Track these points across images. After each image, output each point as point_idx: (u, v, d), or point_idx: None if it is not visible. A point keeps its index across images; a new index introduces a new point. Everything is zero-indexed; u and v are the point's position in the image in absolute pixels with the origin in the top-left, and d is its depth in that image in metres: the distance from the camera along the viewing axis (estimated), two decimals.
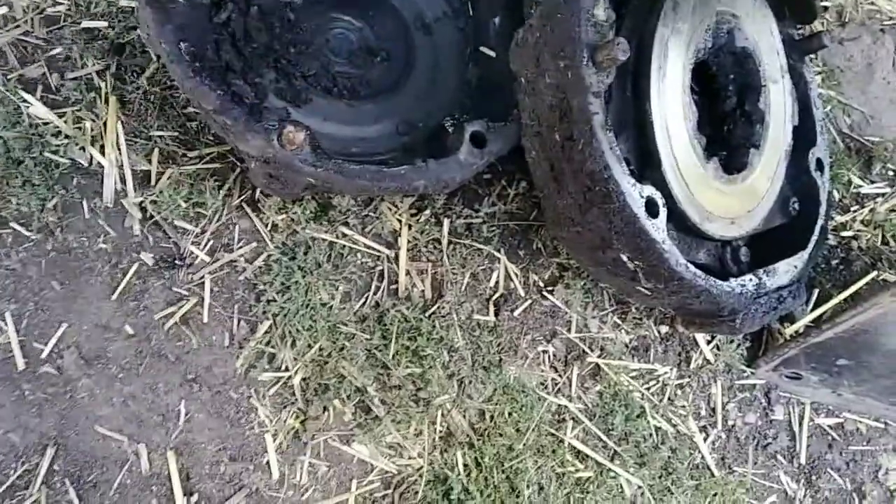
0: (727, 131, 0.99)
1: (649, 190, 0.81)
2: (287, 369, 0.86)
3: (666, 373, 1.03)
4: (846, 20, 1.30)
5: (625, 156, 0.84)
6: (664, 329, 1.05)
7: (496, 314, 0.97)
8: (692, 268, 0.84)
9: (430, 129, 0.97)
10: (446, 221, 0.97)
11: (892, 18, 1.33)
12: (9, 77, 0.86)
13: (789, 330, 1.09)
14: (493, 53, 1.03)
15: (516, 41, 0.88)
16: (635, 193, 0.79)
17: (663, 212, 0.81)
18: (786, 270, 0.95)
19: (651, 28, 0.84)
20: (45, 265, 0.83)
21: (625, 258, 0.84)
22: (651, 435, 0.99)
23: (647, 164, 0.85)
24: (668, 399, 1.02)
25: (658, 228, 0.80)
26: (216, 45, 0.83)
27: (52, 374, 0.81)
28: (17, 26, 0.88)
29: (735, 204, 0.93)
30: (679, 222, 0.89)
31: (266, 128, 0.77)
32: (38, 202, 0.83)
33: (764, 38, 0.99)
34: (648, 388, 1.02)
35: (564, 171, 0.83)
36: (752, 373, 1.08)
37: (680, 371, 1.04)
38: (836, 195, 1.20)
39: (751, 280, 0.91)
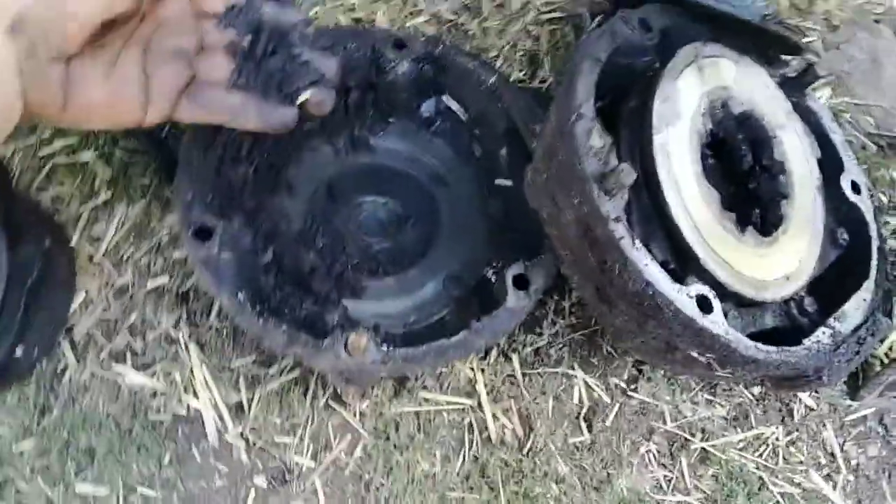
0: (753, 189, 1.01)
1: (696, 288, 0.83)
2: None
3: (773, 433, 1.03)
4: (836, 24, 1.30)
5: (662, 259, 0.87)
6: (757, 390, 1.05)
7: (590, 430, 0.99)
8: (763, 346, 0.84)
9: (473, 276, 1.02)
10: (514, 356, 1.01)
11: (883, 4, 1.33)
12: (101, 356, 0.95)
13: (881, 349, 1.07)
14: (508, 183, 1.08)
15: (527, 181, 0.93)
16: (684, 298, 0.81)
17: (717, 304, 0.83)
18: (856, 308, 0.94)
19: (647, 138, 0.88)
20: None
21: (695, 354, 0.86)
22: (779, 503, 0.98)
23: (686, 262, 0.88)
24: (784, 459, 1.01)
25: (716, 323, 0.82)
26: (268, 282, 0.91)
27: None
28: (97, 306, 0.98)
29: (783, 261, 0.94)
30: (735, 301, 0.90)
31: (332, 344, 0.83)
32: (154, 462, 0.91)
33: (759, 92, 1.01)
34: (760, 455, 1.01)
35: (610, 294, 0.86)
36: (858, 405, 1.06)
37: (786, 427, 1.04)
38: (885, 198, 1.19)
39: (824, 333, 0.91)
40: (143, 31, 0.52)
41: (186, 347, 0.96)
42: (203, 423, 0.94)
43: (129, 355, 0.97)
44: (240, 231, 0.93)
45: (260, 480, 0.92)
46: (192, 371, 0.95)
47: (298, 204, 1.03)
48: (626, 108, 0.95)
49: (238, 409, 0.95)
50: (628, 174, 0.79)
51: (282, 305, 0.93)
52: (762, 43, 1.06)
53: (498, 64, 1.23)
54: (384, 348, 0.84)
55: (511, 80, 1.17)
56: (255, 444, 0.93)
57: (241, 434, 0.94)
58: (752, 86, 1.01)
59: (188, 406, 0.94)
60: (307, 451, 0.94)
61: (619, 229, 0.81)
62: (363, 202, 1.06)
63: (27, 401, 0.92)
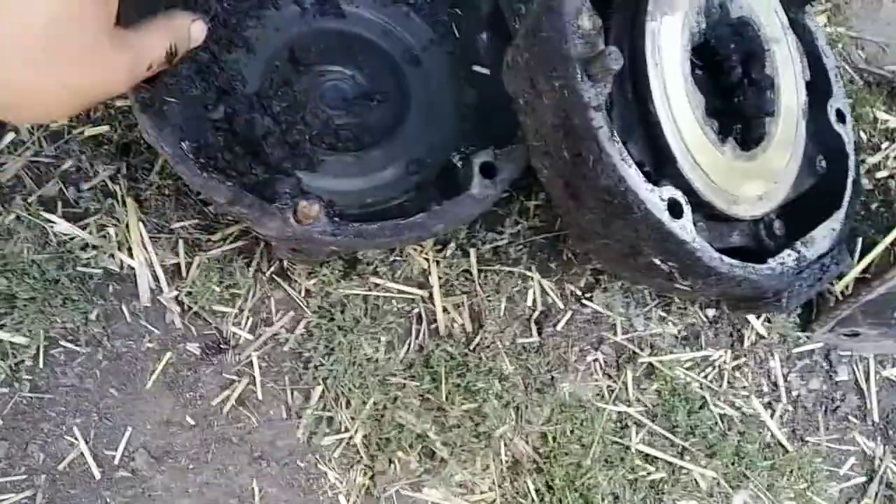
0: (738, 103, 0.96)
1: (669, 191, 0.79)
2: (347, 430, 0.88)
3: (720, 356, 1.02)
4: None
5: (638, 159, 0.83)
6: (711, 312, 1.04)
7: (539, 333, 0.97)
8: (727, 259, 0.82)
9: (438, 163, 0.96)
10: (472, 251, 0.97)
11: None
12: (29, 200, 0.88)
13: (839, 287, 1.06)
14: (486, 71, 1.02)
15: (507, 63, 0.87)
16: (655, 199, 0.78)
17: (687, 210, 0.79)
18: (824, 236, 0.93)
19: (640, 25, 0.82)
20: (100, 375, 0.86)
21: (657, 261, 0.83)
22: (717, 424, 0.98)
23: (662, 163, 0.84)
24: (728, 383, 1.01)
25: (685, 228, 0.79)
26: (218, 140, 0.84)
27: (127, 478, 0.84)
28: (27, 148, 0.91)
29: (760, 179, 0.91)
30: (706, 212, 0.87)
31: (280, 208, 0.78)
32: (80, 316, 0.86)
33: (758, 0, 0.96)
34: (706, 376, 1.01)
35: (580, 188, 0.82)
36: (807, 338, 1.06)
37: (734, 352, 1.03)
38: (864, 136, 1.16)
39: (789, 255, 0.89)
40: None
41: (124, 202, 0.90)
42: (136, 281, 0.88)
43: (60, 204, 0.89)
44: (189, 81, 0.85)
45: (193, 347, 0.88)
46: (127, 227, 0.89)
47: (257, 64, 0.95)
48: None
49: (175, 273, 0.90)
50: (616, 59, 0.74)
51: (230, 167, 0.86)
52: None
53: None
54: (335, 220, 0.79)
55: None
56: (190, 310, 0.89)
57: (177, 298, 0.89)
58: None
59: (121, 263, 0.88)
60: (246, 323, 0.90)
61: (598, 118, 0.76)
62: (328, 71, 0.99)
63: None
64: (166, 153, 0.78)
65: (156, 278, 0.89)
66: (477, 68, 1.02)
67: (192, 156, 0.77)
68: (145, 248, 0.89)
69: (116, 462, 0.84)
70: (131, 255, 0.88)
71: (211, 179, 0.77)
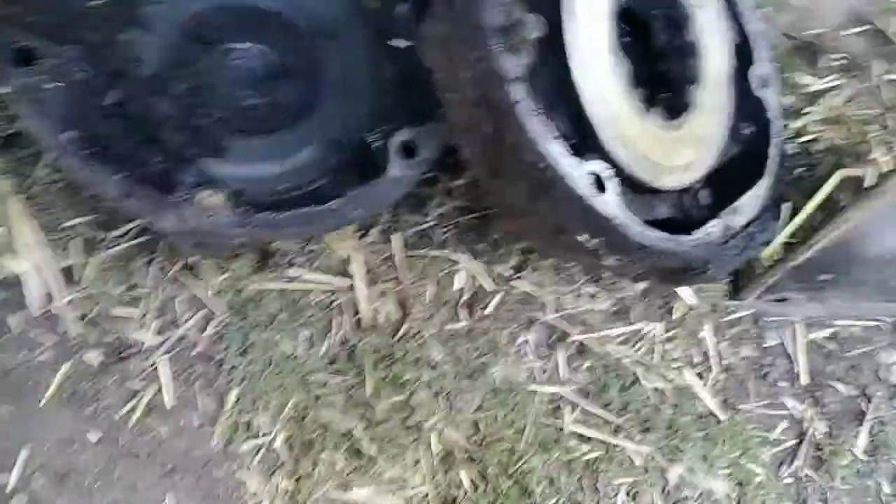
0: (663, 70, 0.94)
1: (592, 165, 0.76)
2: (266, 434, 0.83)
3: (652, 329, 1.01)
4: None
5: (562, 132, 0.79)
6: (642, 285, 1.02)
7: (469, 317, 0.94)
8: (653, 232, 0.80)
9: (357, 143, 0.91)
10: (396, 236, 0.93)
11: None
12: None
13: (767, 253, 1.06)
14: (405, 44, 0.96)
15: (425, 37, 0.82)
16: (578, 174, 0.74)
17: (611, 185, 0.77)
18: (749, 204, 0.91)
19: None
20: None
21: (583, 239, 0.80)
22: (649, 398, 0.97)
23: (585, 136, 0.80)
24: (660, 356, 1.00)
25: (609, 203, 0.76)
26: (111, 128, 0.77)
27: (27, 503, 0.77)
28: None
29: (686, 148, 0.89)
30: (632, 185, 0.84)
31: (179, 201, 0.71)
32: None
33: None
34: (637, 351, 0.99)
35: (502, 165, 0.78)
36: (737, 306, 1.06)
37: (665, 324, 1.02)
38: (788, 101, 1.16)
39: (716, 225, 0.87)
40: None
41: (9, 201, 0.81)
42: (25, 288, 0.80)
43: None
44: (76, 64, 0.77)
45: (92, 357, 0.81)
46: (13, 228, 0.81)
47: (155, 44, 0.87)
48: None
49: (69, 276, 0.82)
50: (533, 27, 0.70)
51: (128, 158, 0.78)
52: None
53: None
54: (242, 210, 0.73)
55: None
56: (87, 316, 0.81)
57: (72, 303, 0.81)
58: None
59: (7, 268, 0.80)
60: (151, 326, 0.84)
61: (518, 91, 0.72)
62: (234, 49, 0.92)
63: None
64: (47, 145, 0.70)
65: (47, 283, 0.81)
66: (395, 42, 0.96)
67: (77, 146, 0.70)
68: (35, 251, 0.81)
69: (13, 486, 0.77)
70: (18, 259, 0.80)
71: (97, 172, 0.70)
